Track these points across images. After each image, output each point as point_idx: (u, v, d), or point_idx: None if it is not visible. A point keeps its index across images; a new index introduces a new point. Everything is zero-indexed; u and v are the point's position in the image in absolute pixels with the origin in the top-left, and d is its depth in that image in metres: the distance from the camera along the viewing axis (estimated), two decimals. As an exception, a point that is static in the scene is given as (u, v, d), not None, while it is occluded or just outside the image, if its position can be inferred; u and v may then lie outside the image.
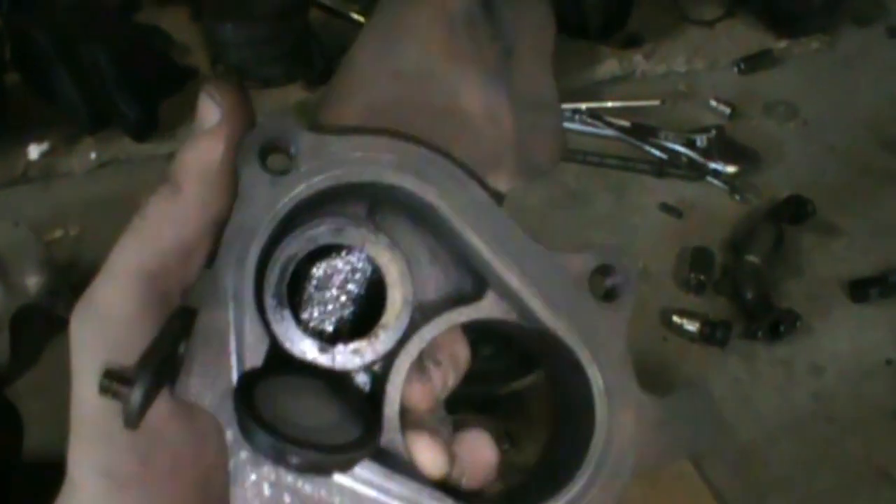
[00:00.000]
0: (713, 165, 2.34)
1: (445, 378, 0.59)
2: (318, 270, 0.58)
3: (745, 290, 2.00)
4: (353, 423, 0.54)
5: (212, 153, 0.54)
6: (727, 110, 2.54)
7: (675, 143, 2.39)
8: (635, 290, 0.57)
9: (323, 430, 0.52)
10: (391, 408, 0.56)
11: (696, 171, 2.35)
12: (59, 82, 2.22)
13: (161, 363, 0.51)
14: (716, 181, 2.33)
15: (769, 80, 2.70)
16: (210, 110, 0.55)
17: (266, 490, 0.51)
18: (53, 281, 1.88)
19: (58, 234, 2.11)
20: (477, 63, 0.58)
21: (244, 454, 0.51)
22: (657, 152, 2.39)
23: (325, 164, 0.54)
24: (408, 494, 0.53)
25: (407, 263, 0.57)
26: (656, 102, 2.55)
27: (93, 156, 2.31)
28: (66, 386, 0.53)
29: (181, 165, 0.54)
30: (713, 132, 2.38)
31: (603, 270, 0.57)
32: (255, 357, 0.52)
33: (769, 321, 1.94)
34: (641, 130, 2.43)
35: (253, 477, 0.51)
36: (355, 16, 2.66)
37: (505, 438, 1.67)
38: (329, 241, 0.56)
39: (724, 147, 2.37)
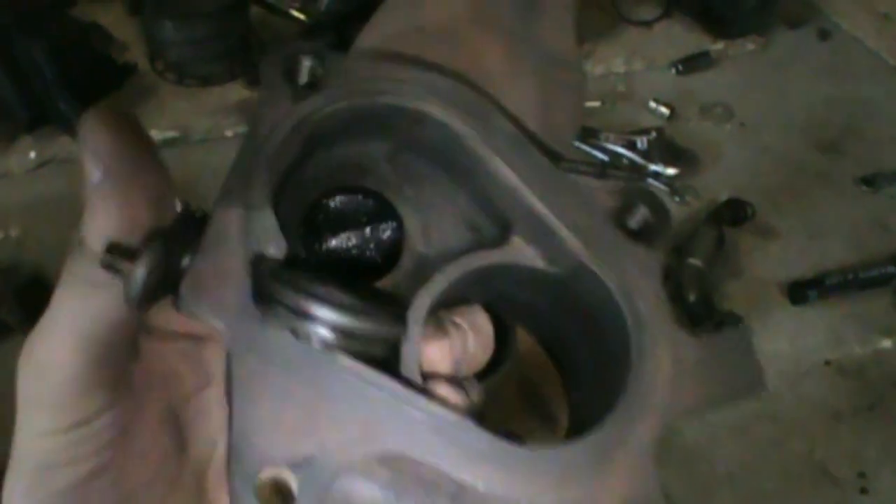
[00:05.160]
0: (653, 167, 2.37)
1: (464, 340, 0.56)
2: (336, 206, 0.56)
3: (688, 293, 2.03)
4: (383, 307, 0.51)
5: (108, 223, 0.47)
6: (666, 111, 2.57)
7: (615, 144, 2.40)
8: (669, 228, 0.55)
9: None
10: (410, 346, 0.52)
11: (636, 173, 2.36)
12: (-5, 79, 2.17)
13: (168, 247, 0.47)
14: (656, 183, 2.36)
15: (706, 82, 2.73)
16: (89, 164, 0.47)
17: (276, 400, 0.47)
18: (-3, 285, 1.85)
19: (-2, 236, 2.06)
20: (499, 23, 0.57)
21: (252, 359, 0.47)
22: (598, 154, 2.41)
23: (351, 84, 0.52)
24: (433, 412, 0.49)
25: (427, 213, 0.56)
26: (596, 103, 2.57)
27: (32, 155, 2.26)
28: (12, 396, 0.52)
29: (86, 230, 0.48)
30: (653, 134, 2.40)
31: (632, 208, 0.55)
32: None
33: (712, 323, 1.97)
34: (582, 132, 2.44)
35: (260, 384, 0.47)
36: (295, 13, 2.63)
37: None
38: (351, 182, 0.55)
39: (664, 149, 2.40)
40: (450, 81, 0.53)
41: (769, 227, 2.28)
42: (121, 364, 0.52)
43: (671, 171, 2.37)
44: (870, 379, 1.99)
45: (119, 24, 2.62)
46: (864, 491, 1.81)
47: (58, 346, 0.49)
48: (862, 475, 1.83)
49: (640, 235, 0.54)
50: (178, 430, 0.58)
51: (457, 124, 0.52)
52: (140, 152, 0.48)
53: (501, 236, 0.56)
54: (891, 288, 2.14)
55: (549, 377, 1.41)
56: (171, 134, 2.36)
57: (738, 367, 0.55)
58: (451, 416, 0.48)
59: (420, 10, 0.57)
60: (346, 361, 0.47)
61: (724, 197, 2.29)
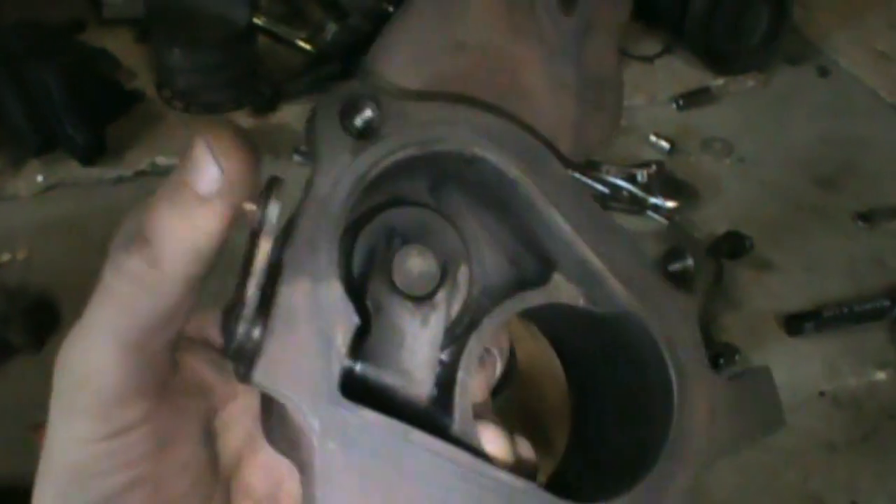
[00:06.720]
0: (653, 200, 2.38)
1: (496, 367, 0.57)
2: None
3: (686, 324, 2.04)
4: None
5: (206, 230, 0.45)
6: (666, 146, 2.60)
7: (616, 177, 2.42)
8: (705, 273, 0.55)
9: None
10: (464, 396, 0.52)
11: (637, 206, 2.39)
12: (5, 103, 2.20)
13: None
14: (656, 216, 2.38)
15: (706, 117, 2.77)
16: (207, 170, 0.46)
17: (357, 483, 0.47)
18: (3, 306, 1.87)
19: (5, 258, 2.08)
20: (540, 39, 0.56)
21: (332, 445, 0.46)
22: (600, 186, 2.43)
23: (409, 131, 0.50)
24: (501, 481, 0.50)
25: (468, 244, 0.56)
26: (598, 136, 2.58)
27: (39, 179, 2.29)
28: (23, 414, 0.49)
29: (162, 232, 0.46)
30: (654, 167, 2.42)
31: (674, 254, 0.56)
32: (344, 337, 0.47)
33: (710, 355, 1.97)
34: (584, 164, 2.46)
35: (342, 468, 0.46)
36: (301, 44, 2.67)
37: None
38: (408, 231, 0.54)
39: (664, 182, 2.42)
40: (504, 123, 0.53)
41: (767, 261, 2.30)
42: (162, 372, 0.50)
43: (671, 204, 2.39)
44: (864, 410, 2.01)
45: (127, 52, 2.65)
46: (857, 521, 1.83)
47: (98, 351, 0.46)
48: (855, 505, 1.85)
49: (680, 281, 0.55)
50: (212, 442, 0.56)
51: (512, 170, 0.52)
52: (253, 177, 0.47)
53: (543, 273, 0.56)
54: (886, 322, 2.17)
55: (546, 399, 1.43)
56: (177, 161, 2.33)
57: (762, 406, 0.58)
58: (519, 484, 0.50)
59: (456, 22, 0.54)
60: (419, 436, 0.48)
61: (722, 230, 2.32)
